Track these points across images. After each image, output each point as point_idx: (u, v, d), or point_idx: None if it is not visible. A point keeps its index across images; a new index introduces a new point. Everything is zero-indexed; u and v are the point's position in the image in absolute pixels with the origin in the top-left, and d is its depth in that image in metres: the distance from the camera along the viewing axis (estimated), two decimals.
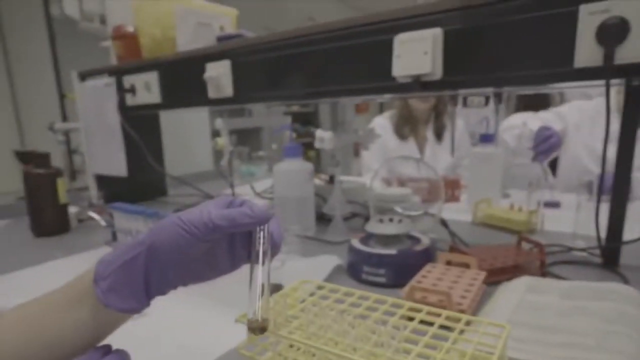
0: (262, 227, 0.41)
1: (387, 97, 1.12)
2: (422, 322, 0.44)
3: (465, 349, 0.39)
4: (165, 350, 0.54)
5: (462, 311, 0.55)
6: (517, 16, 0.62)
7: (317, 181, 1.26)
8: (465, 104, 1.62)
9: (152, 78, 1.09)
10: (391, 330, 0.39)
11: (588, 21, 0.56)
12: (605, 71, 0.55)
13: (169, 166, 1.58)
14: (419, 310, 0.46)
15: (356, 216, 1.05)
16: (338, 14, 0.79)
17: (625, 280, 0.67)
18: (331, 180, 1.25)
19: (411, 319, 0.44)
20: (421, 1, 0.69)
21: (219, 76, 0.95)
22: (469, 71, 0.67)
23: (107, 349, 0.37)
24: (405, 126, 1.73)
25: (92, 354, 0.35)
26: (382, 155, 1.72)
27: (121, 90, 1.16)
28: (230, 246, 0.43)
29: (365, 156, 1.80)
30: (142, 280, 0.37)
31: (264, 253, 0.40)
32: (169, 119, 1.59)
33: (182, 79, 1.07)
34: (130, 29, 1.09)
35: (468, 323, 0.44)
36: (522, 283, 0.64)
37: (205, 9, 1.10)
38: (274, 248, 0.42)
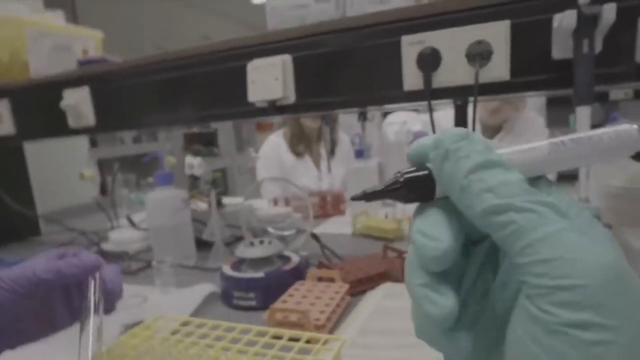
0: (94, 276, 0.39)
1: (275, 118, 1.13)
2: (270, 345, 0.46)
3: None
4: None
5: (320, 326, 0.57)
6: (358, 44, 0.68)
7: (203, 205, 1.24)
8: (365, 118, 1.71)
9: (1, 106, 0.99)
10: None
11: (409, 50, 0.62)
12: (426, 94, 0.62)
13: (45, 200, 1.43)
14: (264, 334, 0.47)
15: (241, 239, 1.05)
16: (234, 33, 0.78)
17: None
18: (217, 203, 1.24)
19: (273, 345, 0.45)
20: (271, 29, 0.72)
21: (78, 104, 0.89)
22: (320, 95, 0.72)
23: None
24: (299, 144, 1.77)
25: None
26: (279, 173, 1.74)
27: None
28: (67, 300, 0.41)
29: (260, 175, 1.81)
30: None
31: (97, 302, 0.38)
32: (41, 148, 1.45)
33: (39, 108, 0.98)
34: None
35: (311, 341, 0.46)
36: (380, 290, 0.69)
37: (64, 32, 1.03)
38: (110, 295, 0.41)
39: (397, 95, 0.66)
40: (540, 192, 0.17)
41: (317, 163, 1.81)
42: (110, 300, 0.42)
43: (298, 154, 1.77)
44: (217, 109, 0.79)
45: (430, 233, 0.17)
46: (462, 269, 0.20)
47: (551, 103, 1.88)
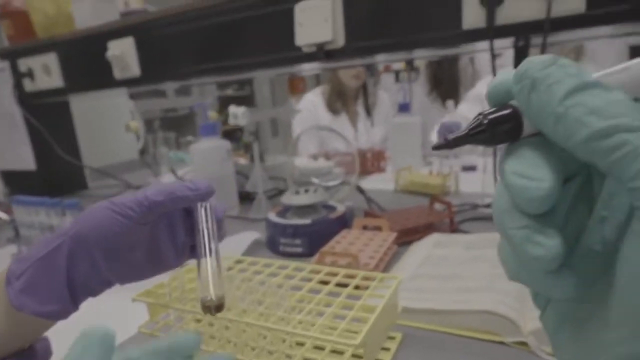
0: (203, 203, 0.36)
1: (308, 68, 1.11)
2: (324, 282, 0.45)
3: (354, 302, 0.40)
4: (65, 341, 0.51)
5: (370, 270, 0.57)
6: None
7: (243, 161, 1.24)
8: (397, 79, 1.67)
9: (50, 60, 1.01)
10: (283, 292, 0.39)
11: None
12: (488, 32, 0.58)
13: (88, 157, 1.48)
14: (318, 272, 0.47)
15: (282, 193, 1.05)
16: None
17: None
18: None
19: (325, 282, 0.45)
20: None
21: (123, 55, 0.89)
22: (372, 37, 0.68)
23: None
24: (337, 101, 1.74)
25: None
26: (314, 131, 1.72)
27: (17, 74, 1.05)
28: (171, 233, 0.37)
29: (297, 133, 1.80)
30: (63, 277, 0.31)
31: (210, 230, 0.35)
32: (83, 107, 1.48)
33: (85, 60, 0.99)
34: (18, 4, 0.99)
35: (367, 278, 0.45)
36: (430, 240, 0.67)
37: None
38: (220, 223, 0.38)
39: (455, 35, 0.62)
40: None
41: (353, 122, 1.77)
42: (221, 232, 0.38)
43: (335, 112, 1.73)
44: (262, 55, 0.77)
45: (529, 173, 0.16)
46: (561, 208, 0.18)
47: None
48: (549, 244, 0.16)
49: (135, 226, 0.33)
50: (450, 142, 0.18)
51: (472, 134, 0.17)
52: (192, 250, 0.39)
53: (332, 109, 1.73)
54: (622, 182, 0.14)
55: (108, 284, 0.35)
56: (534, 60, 0.16)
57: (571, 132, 0.15)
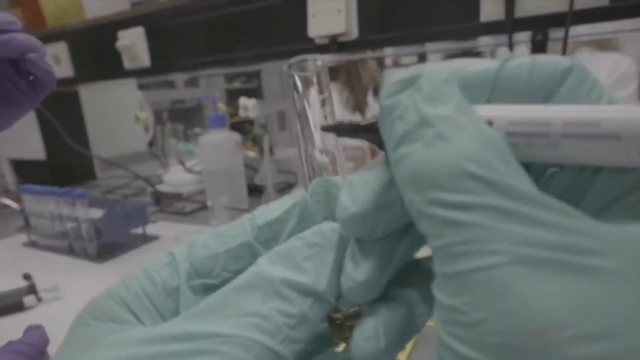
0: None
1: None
2: None
3: None
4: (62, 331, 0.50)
5: None
6: None
7: (251, 153, 1.24)
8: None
9: (60, 49, 1.00)
10: None
11: None
12: (507, 24, 0.56)
13: (97, 148, 1.48)
14: None
15: (291, 186, 1.04)
16: None
17: None
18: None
19: None
20: None
21: (133, 44, 0.88)
22: (385, 30, 0.67)
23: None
24: (359, 95, 1.70)
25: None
26: None
27: None
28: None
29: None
30: None
31: None
32: (93, 98, 1.48)
33: (95, 50, 0.99)
34: None
35: None
36: None
37: None
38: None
39: (472, 27, 0.60)
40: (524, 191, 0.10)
41: (363, 114, 1.75)
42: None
43: (361, 109, 1.70)
44: (273, 47, 0.76)
45: (352, 191, 0.14)
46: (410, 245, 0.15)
47: None
48: (350, 274, 0.14)
49: None
50: (337, 128, 0.15)
51: (362, 130, 0.14)
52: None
53: (358, 106, 1.69)
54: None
55: None
56: (392, 80, 0.12)
57: (401, 190, 0.12)
